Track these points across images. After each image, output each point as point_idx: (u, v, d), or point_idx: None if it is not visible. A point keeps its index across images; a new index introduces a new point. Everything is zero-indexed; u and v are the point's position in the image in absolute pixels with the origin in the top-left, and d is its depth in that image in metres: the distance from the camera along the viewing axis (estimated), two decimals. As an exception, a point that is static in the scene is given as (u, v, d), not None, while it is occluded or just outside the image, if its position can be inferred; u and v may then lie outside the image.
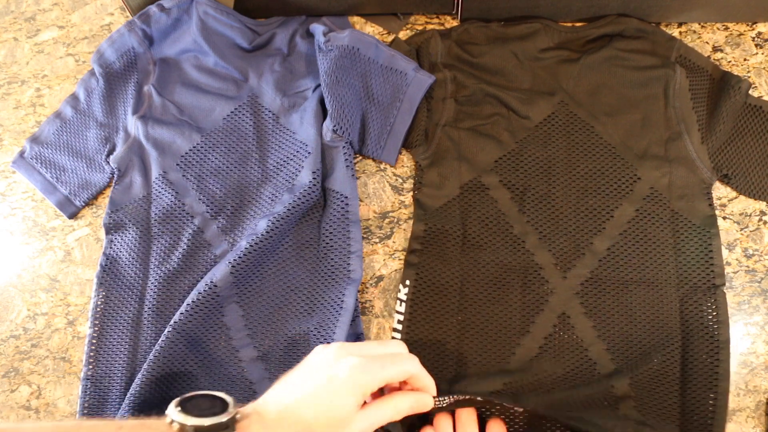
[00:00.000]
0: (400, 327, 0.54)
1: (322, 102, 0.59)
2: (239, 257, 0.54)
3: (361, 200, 0.60)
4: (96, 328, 0.57)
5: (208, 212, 0.59)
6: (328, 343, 0.54)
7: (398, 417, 0.43)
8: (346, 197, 0.58)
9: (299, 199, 0.56)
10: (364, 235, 0.59)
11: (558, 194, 0.57)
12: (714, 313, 0.52)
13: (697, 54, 0.60)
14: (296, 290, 0.57)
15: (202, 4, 0.62)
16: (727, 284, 0.56)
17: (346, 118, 0.58)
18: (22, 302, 0.61)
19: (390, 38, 0.64)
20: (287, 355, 0.55)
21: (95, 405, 0.55)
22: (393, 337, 0.54)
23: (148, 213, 0.59)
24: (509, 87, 0.59)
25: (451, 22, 0.64)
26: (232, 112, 0.61)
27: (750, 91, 0.59)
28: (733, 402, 0.54)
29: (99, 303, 0.57)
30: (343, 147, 0.58)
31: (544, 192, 0.57)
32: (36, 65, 0.68)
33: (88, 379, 0.56)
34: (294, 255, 0.57)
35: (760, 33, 0.62)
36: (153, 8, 0.62)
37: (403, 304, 0.55)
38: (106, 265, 0.58)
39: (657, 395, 0.51)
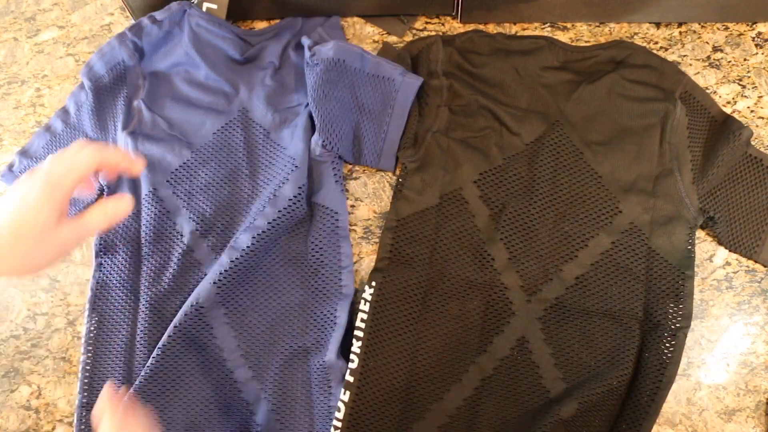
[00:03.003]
0: (363, 326, 0.54)
1: (312, 117, 0.59)
2: (222, 275, 0.54)
3: (361, 200, 0.60)
4: (89, 355, 0.56)
5: (198, 230, 0.57)
6: (326, 359, 0.54)
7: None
8: (336, 212, 0.57)
9: (281, 212, 0.55)
10: (364, 235, 0.59)
11: (536, 215, 0.56)
12: (669, 354, 0.52)
13: (703, 93, 0.58)
14: (288, 308, 0.56)
15: (195, 16, 0.61)
16: (727, 284, 0.56)
17: (334, 133, 0.57)
18: (22, 302, 0.61)
19: (391, 39, 0.64)
20: (283, 374, 0.55)
21: None
22: (355, 336, 0.54)
23: (137, 232, 0.58)
24: (505, 102, 0.59)
25: (451, 23, 0.64)
26: (222, 127, 0.60)
27: (750, 92, 0.59)
28: (733, 402, 0.54)
29: (92, 329, 0.57)
30: (333, 162, 0.58)
31: (522, 212, 0.56)
32: (36, 65, 0.68)
33: (83, 407, 0.55)
34: (282, 272, 0.57)
35: (760, 33, 0.62)
36: (145, 20, 0.61)
37: (368, 303, 0.55)
38: (96, 289, 0.58)
39: (594, 426, 0.52)
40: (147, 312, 0.56)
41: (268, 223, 0.55)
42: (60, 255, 0.48)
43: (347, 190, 0.60)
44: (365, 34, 0.65)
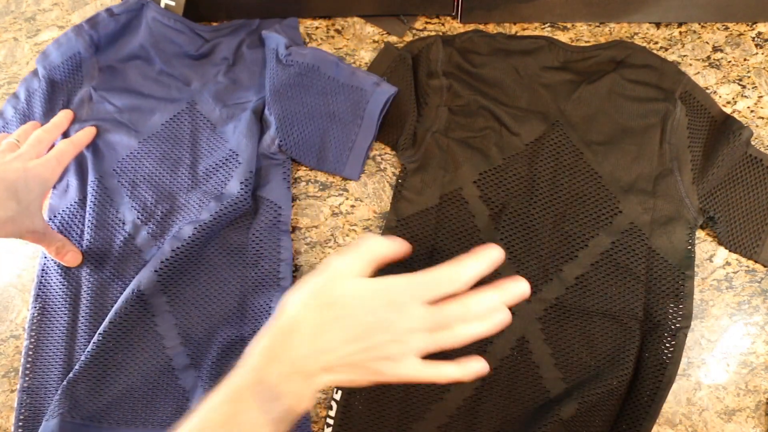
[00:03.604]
0: None
1: (258, 112, 0.59)
2: (164, 263, 0.54)
3: (361, 200, 0.60)
4: (32, 340, 0.57)
5: (139, 218, 0.58)
6: None
7: None
8: (279, 207, 0.58)
9: (226, 208, 0.56)
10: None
11: (536, 216, 0.56)
12: (669, 354, 0.52)
13: (703, 93, 0.58)
14: (227, 297, 0.57)
15: (152, 10, 0.62)
16: (727, 284, 0.56)
17: (293, 136, 0.58)
18: (22, 302, 0.61)
19: (391, 39, 0.64)
20: (220, 362, 0.55)
21: (31, 417, 0.55)
22: None
23: (82, 219, 0.59)
24: (505, 102, 0.59)
25: (451, 23, 0.64)
26: (171, 118, 0.61)
27: (750, 92, 0.59)
28: (733, 402, 0.54)
29: (35, 315, 0.57)
30: (284, 161, 0.59)
31: (521, 212, 0.56)
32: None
33: (24, 391, 0.56)
34: (223, 261, 0.57)
35: (760, 33, 0.62)
36: (102, 13, 0.62)
37: None
38: (41, 276, 0.58)
39: (594, 426, 0.52)
40: (89, 298, 0.56)
41: (211, 215, 0.55)
42: (20, 233, 0.53)
43: (347, 190, 0.60)
44: (365, 34, 0.65)
